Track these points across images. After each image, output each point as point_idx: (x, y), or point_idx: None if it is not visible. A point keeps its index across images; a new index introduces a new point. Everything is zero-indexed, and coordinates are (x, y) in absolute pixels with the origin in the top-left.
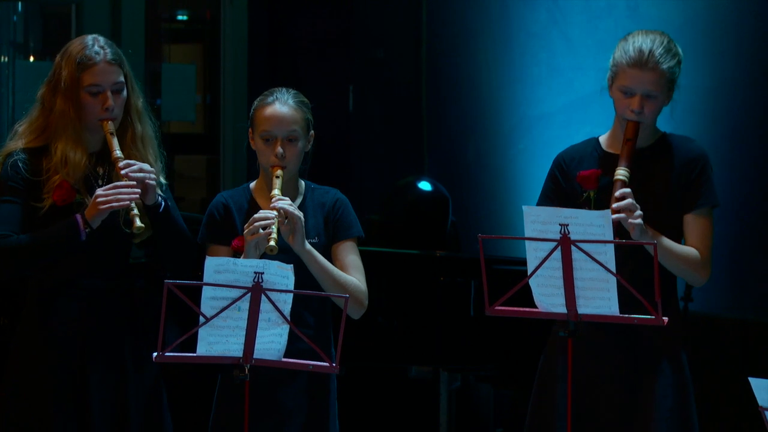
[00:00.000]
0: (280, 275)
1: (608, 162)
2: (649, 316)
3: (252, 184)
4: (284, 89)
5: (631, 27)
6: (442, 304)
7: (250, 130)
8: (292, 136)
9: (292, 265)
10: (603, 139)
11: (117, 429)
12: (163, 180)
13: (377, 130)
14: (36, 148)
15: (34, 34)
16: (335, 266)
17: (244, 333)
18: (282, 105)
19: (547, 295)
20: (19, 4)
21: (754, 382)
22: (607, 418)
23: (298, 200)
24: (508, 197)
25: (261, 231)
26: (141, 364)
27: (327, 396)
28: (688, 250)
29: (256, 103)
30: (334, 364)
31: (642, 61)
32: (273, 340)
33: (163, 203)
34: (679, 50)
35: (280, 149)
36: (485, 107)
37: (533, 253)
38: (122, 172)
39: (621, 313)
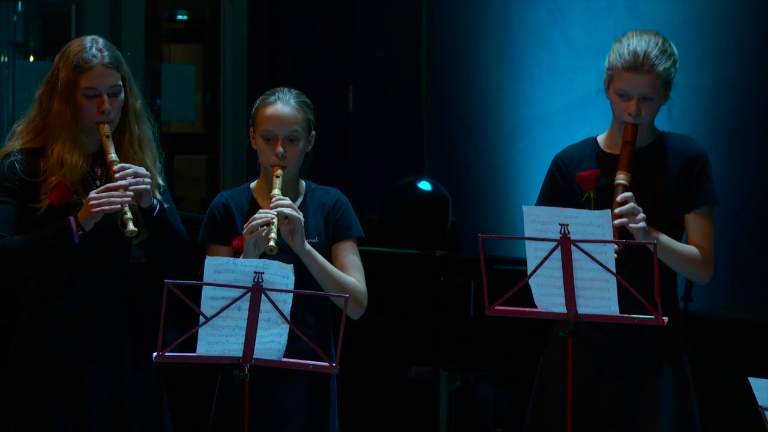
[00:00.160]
0: (280, 275)
1: (607, 162)
2: (649, 316)
3: (252, 184)
4: (286, 89)
5: (631, 27)
6: (442, 304)
7: (251, 129)
8: (293, 136)
9: (292, 265)
10: (601, 138)
11: (115, 429)
12: (161, 182)
13: (377, 130)
14: (33, 149)
15: (34, 34)
16: (335, 266)
17: (244, 333)
18: (284, 105)
19: (547, 295)
20: (19, 4)
21: (754, 382)
22: (608, 419)
23: (299, 200)
24: (508, 197)
25: (262, 231)
26: (140, 364)
27: (327, 396)
28: (691, 248)
29: (257, 102)
30: (334, 364)
31: (637, 64)
32: (273, 340)
33: (158, 206)
34: (674, 49)
35: (280, 149)
36: (485, 107)
37: (533, 253)
38: (116, 176)
39: (621, 313)
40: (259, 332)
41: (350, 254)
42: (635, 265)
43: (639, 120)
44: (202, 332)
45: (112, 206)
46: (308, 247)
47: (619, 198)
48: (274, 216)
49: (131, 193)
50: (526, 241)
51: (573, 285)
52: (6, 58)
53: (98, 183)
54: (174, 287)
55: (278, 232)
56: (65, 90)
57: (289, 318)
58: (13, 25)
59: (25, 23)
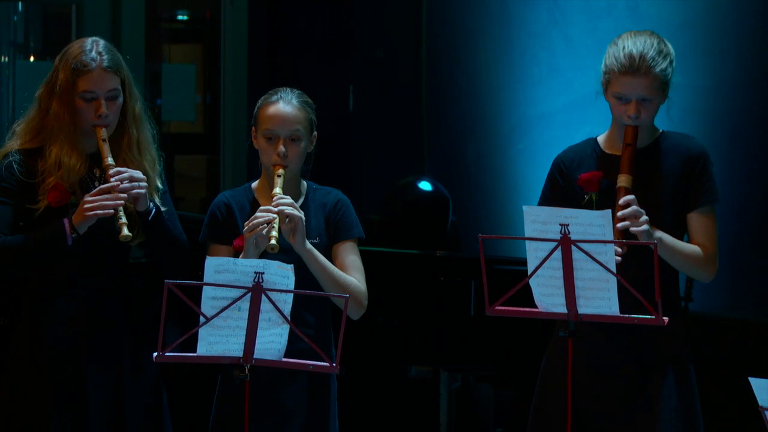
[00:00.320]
0: (281, 275)
1: (608, 163)
2: (649, 316)
3: (254, 184)
4: (288, 89)
5: (631, 27)
6: (442, 304)
7: (253, 128)
8: (294, 136)
9: (292, 265)
10: (601, 139)
11: (115, 429)
12: (160, 185)
13: (377, 130)
14: (31, 150)
15: (35, 34)
16: (335, 266)
17: (245, 333)
18: (286, 104)
19: (547, 295)
20: (20, 4)
21: (754, 382)
22: (611, 419)
23: (300, 200)
24: (508, 197)
25: (263, 230)
26: (140, 364)
27: (327, 396)
28: (694, 248)
29: (260, 101)
30: (334, 364)
31: (634, 68)
32: (273, 340)
33: (153, 210)
34: (670, 48)
35: (282, 148)
36: (485, 107)
37: (533, 253)
38: (111, 180)
39: (623, 313)
40: (259, 332)
41: (351, 254)
42: (638, 266)
43: (639, 122)
44: (203, 332)
45: (106, 210)
46: (309, 246)
47: (621, 201)
48: (275, 215)
49: (125, 196)
50: (527, 241)
51: (573, 285)
52: (6, 58)
53: (96, 184)
54: (174, 287)
55: (279, 232)
56: (64, 92)
57: (289, 318)
58: (13, 25)
59: (26, 23)
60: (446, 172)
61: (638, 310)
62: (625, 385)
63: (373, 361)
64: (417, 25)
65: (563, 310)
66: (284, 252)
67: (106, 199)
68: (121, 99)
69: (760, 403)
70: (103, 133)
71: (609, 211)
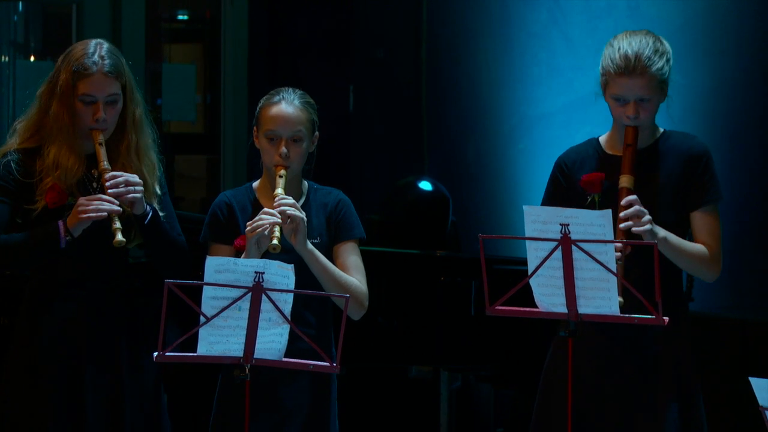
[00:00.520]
0: (281, 275)
1: (610, 164)
2: (649, 316)
3: (255, 184)
4: (290, 89)
5: (631, 27)
6: (443, 304)
7: (254, 128)
8: (296, 137)
9: (292, 265)
10: (603, 139)
11: (113, 429)
12: (158, 191)
13: (377, 130)
14: (30, 149)
15: (35, 34)
16: (336, 267)
17: (245, 333)
18: (288, 105)
19: (547, 294)
20: (20, 4)
21: (754, 382)
22: (614, 419)
23: (301, 200)
24: (509, 197)
25: (265, 230)
26: (139, 364)
27: (327, 396)
28: (699, 246)
29: (262, 102)
30: (334, 364)
31: (629, 68)
32: (273, 340)
33: (150, 213)
34: (667, 46)
35: (284, 149)
36: (485, 107)
37: (534, 253)
38: (107, 184)
39: (627, 313)
40: (259, 332)
41: (351, 255)
42: (643, 266)
43: (638, 122)
44: (203, 332)
45: (100, 213)
46: (310, 246)
47: (623, 202)
48: (279, 219)
49: (117, 202)
50: (527, 241)
51: (573, 285)
52: (6, 58)
53: (94, 185)
54: (174, 287)
55: (281, 232)
56: (64, 93)
57: (289, 318)
58: (13, 25)
59: (26, 23)
60: (446, 172)
61: (641, 310)
62: (627, 386)
63: (374, 361)
64: (417, 25)
65: (563, 310)
66: (285, 252)
67: (103, 203)
68: (120, 104)
69: (761, 403)
70: (100, 137)
71: (609, 211)
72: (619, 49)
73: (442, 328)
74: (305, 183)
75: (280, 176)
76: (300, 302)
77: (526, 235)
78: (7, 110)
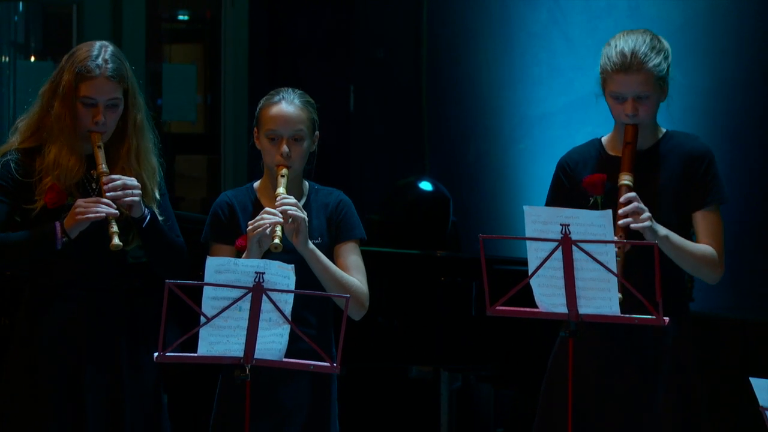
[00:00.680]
0: (281, 275)
1: (612, 165)
2: (650, 316)
3: (256, 184)
4: (290, 89)
5: (632, 27)
6: (443, 304)
7: (255, 129)
8: (297, 136)
9: (293, 265)
10: (606, 140)
11: (113, 429)
12: (157, 196)
13: (378, 130)
14: (30, 149)
15: (35, 35)
16: (337, 267)
17: (245, 333)
18: (288, 104)
19: (548, 295)
20: (20, 4)
21: (754, 382)
22: (616, 419)
23: (302, 200)
24: (509, 197)
25: (266, 229)
26: (139, 364)
27: (328, 396)
28: (701, 246)
29: (262, 102)
30: (335, 365)
31: (626, 65)
32: (274, 340)
33: (148, 217)
34: (665, 44)
35: (285, 148)
36: (486, 107)
37: (534, 253)
38: (105, 187)
39: (629, 313)
40: (260, 332)
41: (352, 255)
42: (646, 267)
43: (637, 120)
44: (203, 332)
45: (98, 214)
46: (311, 246)
47: (622, 199)
48: (281, 219)
49: (115, 206)
50: (527, 242)
51: (574, 285)
52: (7, 59)
53: (94, 186)
54: (175, 287)
55: (282, 231)
56: (66, 94)
57: (290, 318)
58: (14, 26)
59: (26, 23)
60: (447, 172)
61: (642, 310)
62: (629, 386)
63: (374, 361)
64: (417, 25)
65: (564, 310)
66: (286, 252)
67: (99, 206)
68: (121, 108)
69: (761, 403)
70: (99, 139)
71: (609, 211)
72: (616, 46)
73: (443, 329)
74: (306, 183)
75: (282, 176)
76: (300, 302)
77: (527, 235)
78: (7, 110)
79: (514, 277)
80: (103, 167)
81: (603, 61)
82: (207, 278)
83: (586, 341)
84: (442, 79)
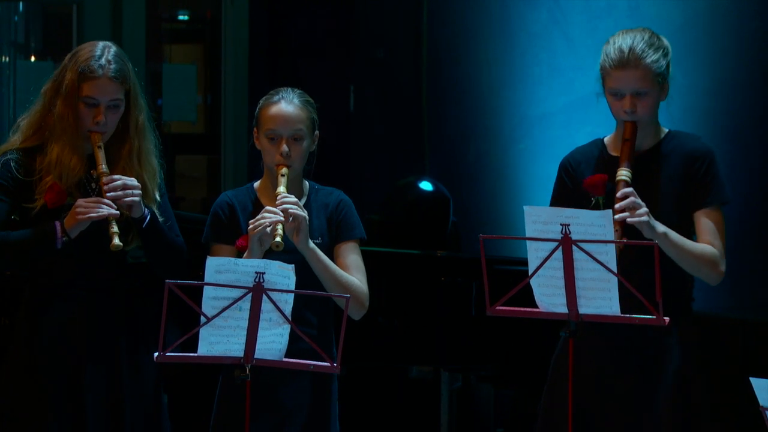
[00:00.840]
0: (281, 275)
1: (615, 165)
2: (650, 316)
3: (256, 184)
4: (290, 89)
5: (632, 27)
6: (443, 304)
7: (255, 129)
8: (297, 135)
9: (293, 265)
10: (608, 140)
11: (113, 429)
12: (158, 197)
13: (378, 130)
14: (31, 148)
15: (35, 35)
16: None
17: (245, 333)
18: (288, 104)
19: (548, 295)
20: (21, 4)
21: (754, 382)
22: (617, 419)
23: (302, 200)
24: (509, 197)
25: (267, 227)
26: (139, 365)
27: (328, 396)
28: (701, 246)
29: (261, 102)
30: (335, 364)
31: (624, 61)
32: (274, 340)
33: (148, 217)
34: (664, 42)
35: (285, 148)
36: (486, 107)
37: (534, 253)
38: (105, 187)
39: (630, 314)
40: (260, 332)
41: (352, 255)
42: (647, 267)
43: (636, 117)
44: (204, 332)
45: (99, 214)
46: (312, 245)
47: (619, 194)
48: (282, 218)
49: (115, 206)
50: (527, 242)
51: (574, 285)
52: (7, 59)
53: (94, 185)
54: (175, 287)
55: (283, 231)
56: (69, 93)
57: (290, 318)
58: (14, 26)
59: (26, 23)
60: (447, 172)
61: (642, 310)
62: (630, 386)
63: (374, 361)
64: (417, 25)
65: (564, 310)
66: (287, 252)
67: (99, 206)
68: (122, 108)
69: (761, 403)
70: (99, 140)
71: (609, 211)
72: (614, 44)
73: (443, 329)
74: (306, 183)
75: (282, 175)
76: (302, 302)
77: (527, 235)
78: (7, 110)
79: (514, 277)
80: (103, 167)
81: (602, 58)
82: (207, 278)
83: (586, 341)
84: (442, 79)
